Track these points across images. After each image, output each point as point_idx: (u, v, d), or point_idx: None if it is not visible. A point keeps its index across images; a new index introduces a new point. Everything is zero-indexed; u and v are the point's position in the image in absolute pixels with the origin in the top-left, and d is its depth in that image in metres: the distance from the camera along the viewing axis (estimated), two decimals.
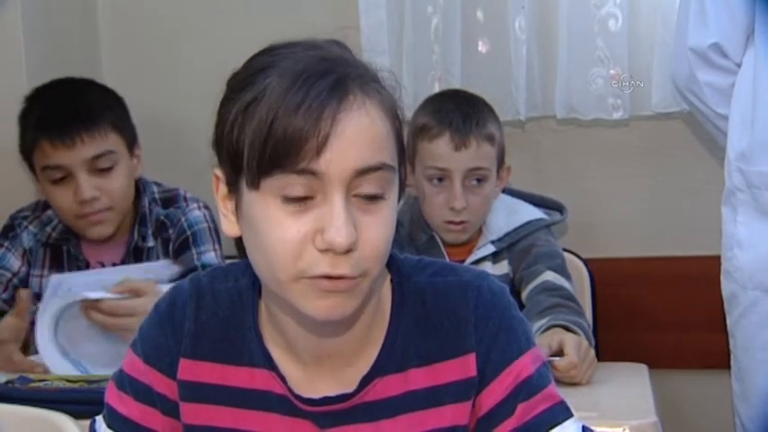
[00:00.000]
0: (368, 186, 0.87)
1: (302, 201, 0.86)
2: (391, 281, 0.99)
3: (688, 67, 1.77)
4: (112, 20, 2.49)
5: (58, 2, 2.33)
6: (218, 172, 0.94)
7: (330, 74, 0.87)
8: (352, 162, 0.86)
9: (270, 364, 0.97)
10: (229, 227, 0.94)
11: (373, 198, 0.88)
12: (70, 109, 1.80)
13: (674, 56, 1.86)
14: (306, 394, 0.96)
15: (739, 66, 1.71)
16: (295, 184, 0.86)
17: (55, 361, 1.61)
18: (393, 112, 0.92)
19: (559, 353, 1.51)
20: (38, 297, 1.88)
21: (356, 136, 0.86)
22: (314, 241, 0.86)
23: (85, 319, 1.62)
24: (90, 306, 1.61)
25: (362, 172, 0.87)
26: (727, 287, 1.76)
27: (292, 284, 0.88)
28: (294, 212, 0.86)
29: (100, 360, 1.61)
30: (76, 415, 1.25)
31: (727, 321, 1.75)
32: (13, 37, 2.17)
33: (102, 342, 1.63)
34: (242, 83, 0.90)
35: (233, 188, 0.92)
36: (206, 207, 1.94)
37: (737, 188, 1.70)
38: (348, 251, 0.85)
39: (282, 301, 0.93)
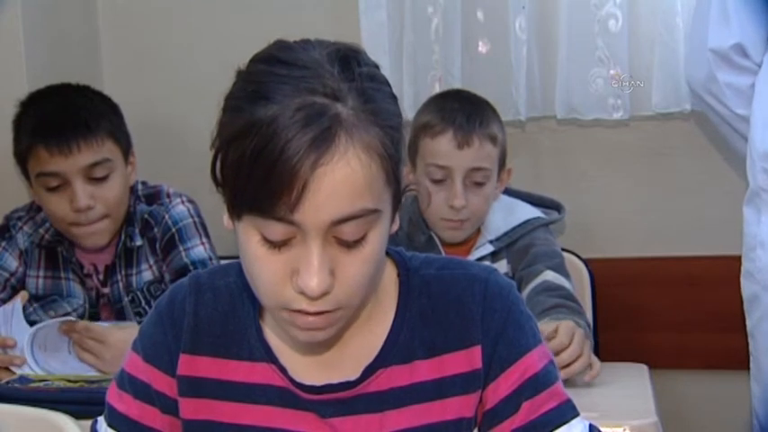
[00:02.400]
0: (348, 233, 0.87)
1: (281, 242, 0.87)
2: (398, 275, 0.99)
3: (707, 68, 1.77)
4: (113, 21, 2.49)
5: (58, 2, 2.33)
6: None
7: (317, 121, 0.84)
8: (328, 214, 0.85)
9: (270, 357, 0.98)
10: (229, 223, 0.95)
11: (354, 242, 0.88)
12: (67, 116, 1.78)
13: (689, 57, 1.86)
14: (308, 382, 0.96)
15: (759, 66, 1.71)
16: (273, 229, 0.86)
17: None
18: (382, 148, 0.87)
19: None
20: (35, 298, 1.88)
21: (334, 189, 0.84)
22: (291, 280, 0.87)
23: (60, 339, 1.70)
24: (67, 326, 1.68)
25: (341, 221, 0.86)
26: (747, 288, 1.72)
27: (276, 312, 0.91)
28: (273, 250, 0.87)
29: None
30: (77, 415, 1.25)
31: (747, 323, 1.73)
32: (13, 38, 2.17)
33: (67, 361, 1.69)
34: (234, 103, 0.89)
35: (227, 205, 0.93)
36: (190, 201, 1.93)
37: (762, 188, 1.67)
38: (324, 294, 0.87)
39: None
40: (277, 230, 0.86)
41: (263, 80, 0.88)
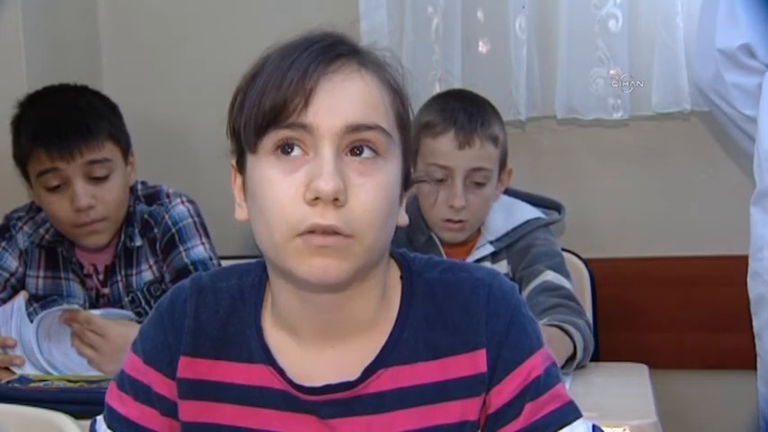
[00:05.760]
0: (361, 144, 0.90)
1: (294, 157, 0.89)
2: (401, 277, 0.99)
3: (714, 69, 1.76)
4: (113, 22, 2.49)
5: (58, 3, 2.33)
6: (233, 161, 0.97)
7: (324, 40, 0.91)
8: (341, 116, 0.88)
9: (268, 359, 0.97)
10: (240, 212, 0.97)
11: (367, 159, 0.90)
12: (68, 119, 1.78)
13: (696, 57, 1.86)
14: (307, 383, 0.96)
15: (767, 66, 1.71)
16: (287, 139, 0.89)
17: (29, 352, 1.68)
18: (392, 87, 0.94)
19: None
20: (35, 298, 1.88)
21: (347, 93, 0.89)
22: (304, 196, 0.88)
23: (64, 329, 1.71)
24: (68, 315, 1.69)
25: (354, 129, 0.89)
26: (754, 289, 1.70)
27: (287, 245, 0.89)
28: (287, 170, 0.89)
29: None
30: (77, 415, 1.25)
31: (754, 324, 1.71)
32: (13, 38, 2.17)
33: (69, 354, 1.70)
34: (249, 69, 0.94)
35: (242, 169, 0.95)
36: (190, 201, 1.92)
37: None
38: (336, 201, 0.87)
39: (283, 276, 0.94)
40: (292, 140, 0.89)
41: (271, 49, 0.94)
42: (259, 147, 0.90)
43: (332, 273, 0.89)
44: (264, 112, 0.89)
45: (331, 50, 0.90)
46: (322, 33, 0.94)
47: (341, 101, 0.89)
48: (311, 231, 0.87)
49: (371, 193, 0.89)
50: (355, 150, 0.90)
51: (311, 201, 0.87)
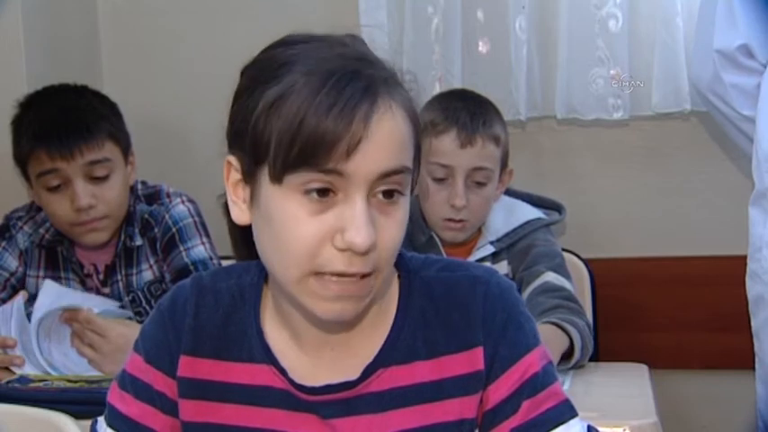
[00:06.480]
0: (387, 187, 0.89)
1: (323, 198, 0.87)
2: (399, 276, 1.00)
3: (712, 69, 1.76)
4: (113, 21, 2.49)
5: (58, 3, 2.33)
6: (232, 159, 0.94)
7: (359, 75, 0.87)
8: (379, 165, 0.87)
9: (270, 359, 0.97)
10: (240, 214, 0.95)
11: (391, 199, 0.89)
12: (68, 119, 1.78)
13: (694, 58, 1.86)
14: (308, 383, 0.96)
15: (765, 66, 1.71)
16: (319, 181, 0.87)
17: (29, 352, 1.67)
18: (413, 113, 0.92)
19: None
20: (34, 298, 1.88)
21: (385, 139, 0.87)
22: (333, 240, 0.87)
23: (64, 329, 1.71)
24: (68, 315, 1.69)
25: (386, 175, 0.88)
26: (753, 289, 1.71)
27: (304, 281, 0.89)
28: (314, 210, 0.87)
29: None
30: (77, 415, 1.25)
31: (752, 324, 1.72)
32: (13, 38, 2.17)
33: (68, 354, 1.70)
34: (264, 75, 0.90)
35: (249, 177, 0.92)
36: (190, 201, 1.92)
37: None
38: (366, 252, 0.87)
39: (289, 299, 0.94)
40: (324, 182, 0.87)
41: (289, 53, 0.90)
42: (285, 180, 0.87)
43: (348, 313, 0.91)
44: (300, 153, 0.86)
45: (371, 91, 0.87)
46: (351, 60, 0.89)
47: (380, 149, 0.87)
48: (333, 274, 0.88)
49: (393, 231, 0.90)
50: (382, 192, 0.89)
51: (342, 249, 0.87)
